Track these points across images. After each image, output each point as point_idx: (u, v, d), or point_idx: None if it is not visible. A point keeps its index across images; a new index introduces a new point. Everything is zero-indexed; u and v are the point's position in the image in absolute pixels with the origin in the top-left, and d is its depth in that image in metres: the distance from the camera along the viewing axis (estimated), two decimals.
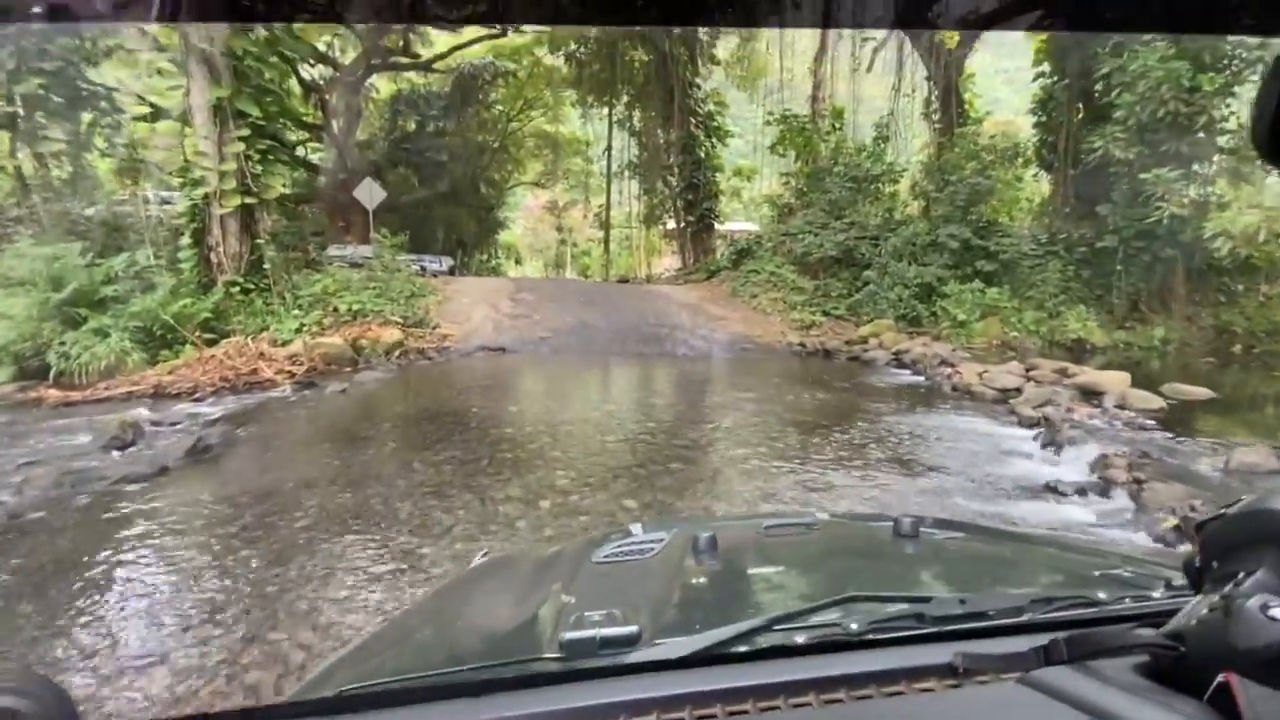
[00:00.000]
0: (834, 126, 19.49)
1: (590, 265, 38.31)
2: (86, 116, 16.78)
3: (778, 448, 6.81)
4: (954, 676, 0.74)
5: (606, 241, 29.41)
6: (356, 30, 27.41)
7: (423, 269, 23.00)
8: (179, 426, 7.74)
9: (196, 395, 9.34)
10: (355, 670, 1.10)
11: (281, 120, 13.96)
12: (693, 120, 23.65)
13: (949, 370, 10.41)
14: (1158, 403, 7.51)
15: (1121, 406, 7.55)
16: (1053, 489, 5.22)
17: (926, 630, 0.84)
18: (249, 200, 13.36)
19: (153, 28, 13.65)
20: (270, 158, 13.64)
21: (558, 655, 0.84)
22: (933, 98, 19.49)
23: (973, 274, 15.15)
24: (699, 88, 24.31)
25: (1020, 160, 17.32)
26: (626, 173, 27.91)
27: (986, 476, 5.82)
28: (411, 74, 32.73)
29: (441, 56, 27.68)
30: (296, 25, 26.88)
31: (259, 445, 7.16)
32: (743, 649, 0.84)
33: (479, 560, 1.84)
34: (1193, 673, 0.62)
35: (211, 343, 11.28)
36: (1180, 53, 12.24)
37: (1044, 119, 18.18)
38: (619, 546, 1.42)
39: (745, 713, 0.71)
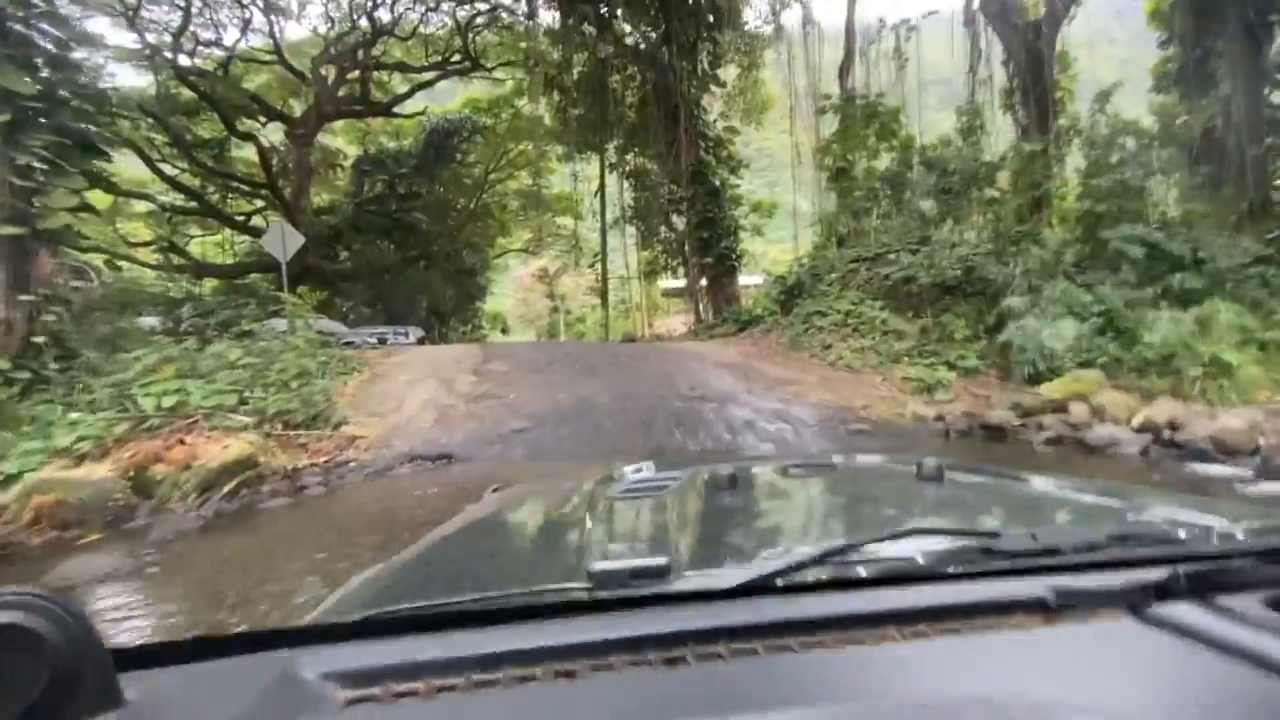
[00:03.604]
0: (892, 128, 14.20)
1: (586, 332, 32.67)
2: None
3: None
4: (1046, 612, 0.61)
5: (605, 297, 23.66)
6: (308, 79, 22.74)
7: (381, 341, 17.27)
8: None
9: None
10: (379, 596, 0.94)
11: (87, 109, 8.29)
12: (702, 145, 18.50)
13: None
14: None
15: None
16: None
17: (1000, 565, 0.69)
18: (14, 231, 7.54)
19: None
20: (61, 168, 7.91)
21: (586, 585, 0.71)
22: (1013, 86, 14.35)
23: (1169, 294, 9.36)
24: (707, 110, 19.35)
25: (1165, 146, 11.92)
26: (623, 222, 22.56)
27: None
28: (382, 136, 28.03)
29: (403, 98, 22.65)
30: (241, 76, 22.18)
31: None
32: (789, 582, 0.67)
33: (489, 494, 1.71)
34: None
35: None
36: None
37: (1171, 95, 13.06)
38: (636, 480, 1.29)
39: (789, 649, 0.57)
